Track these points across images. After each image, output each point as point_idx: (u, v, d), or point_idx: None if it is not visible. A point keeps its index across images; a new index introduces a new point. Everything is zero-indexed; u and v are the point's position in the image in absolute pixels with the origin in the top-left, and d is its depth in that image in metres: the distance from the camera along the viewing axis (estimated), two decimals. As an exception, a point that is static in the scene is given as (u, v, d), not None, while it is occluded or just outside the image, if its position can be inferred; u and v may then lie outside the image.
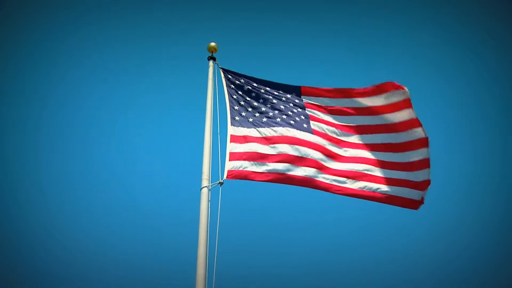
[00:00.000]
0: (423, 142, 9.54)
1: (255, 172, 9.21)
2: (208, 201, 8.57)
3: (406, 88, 9.61)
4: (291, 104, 10.15)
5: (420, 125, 9.57)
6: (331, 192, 9.49)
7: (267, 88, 10.23)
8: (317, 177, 9.49)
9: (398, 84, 9.70)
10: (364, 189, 9.53)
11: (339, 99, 10.10)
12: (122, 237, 18.90)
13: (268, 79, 10.31)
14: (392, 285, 18.21)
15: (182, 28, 24.05)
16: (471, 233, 19.64)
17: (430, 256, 19.09)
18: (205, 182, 8.74)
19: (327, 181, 9.50)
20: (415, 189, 9.46)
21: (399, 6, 24.04)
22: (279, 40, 24.45)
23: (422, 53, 23.72)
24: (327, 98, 10.16)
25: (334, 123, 10.06)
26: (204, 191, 8.64)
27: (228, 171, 9.01)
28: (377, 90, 9.82)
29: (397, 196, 9.51)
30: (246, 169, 9.18)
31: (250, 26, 24.84)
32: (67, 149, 21.27)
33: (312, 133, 9.84)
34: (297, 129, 9.84)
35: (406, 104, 9.63)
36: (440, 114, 22.88)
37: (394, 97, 9.71)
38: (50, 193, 19.81)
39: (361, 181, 9.58)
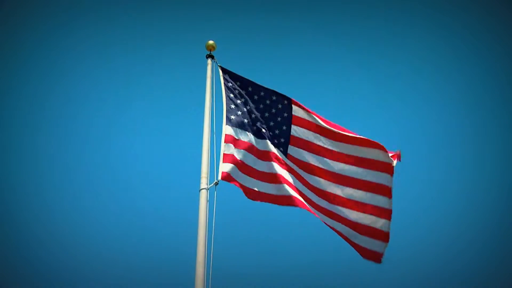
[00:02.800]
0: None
1: (245, 187, 9.21)
2: (207, 201, 8.54)
3: (395, 162, 9.22)
4: (279, 119, 9.95)
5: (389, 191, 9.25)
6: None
7: (261, 93, 10.09)
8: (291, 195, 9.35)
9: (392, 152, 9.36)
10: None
11: (327, 130, 9.79)
12: (121, 237, 18.89)
13: (266, 80, 10.25)
14: (392, 285, 18.18)
15: (180, 27, 24.06)
16: (472, 233, 19.62)
17: (430, 256, 19.08)
18: (203, 182, 8.70)
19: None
20: (375, 238, 9.19)
21: (399, 6, 24.05)
22: (278, 40, 24.48)
23: (422, 52, 23.71)
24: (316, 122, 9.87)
25: (316, 145, 9.78)
26: (203, 191, 8.60)
27: (222, 172, 8.96)
28: (368, 144, 9.48)
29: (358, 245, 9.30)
30: (236, 178, 9.13)
31: (249, 25, 24.86)
32: (66, 149, 21.27)
33: (286, 157, 9.71)
34: (276, 148, 9.73)
35: (388, 169, 9.27)
36: (441, 113, 22.87)
37: (381, 158, 9.35)
38: (48, 193, 19.81)
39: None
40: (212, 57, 10.35)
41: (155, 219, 19.53)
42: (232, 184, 9.10)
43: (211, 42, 10.44)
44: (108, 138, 22.23)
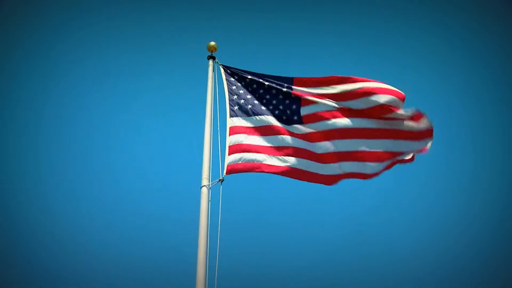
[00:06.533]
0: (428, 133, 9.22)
1: (254, 163, 9.20)
2: (208, 200, 8.51)
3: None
4: (281, 96, 9.91)
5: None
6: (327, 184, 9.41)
7: (261, 80, 10.08)
8: (310, 168, 9.41)
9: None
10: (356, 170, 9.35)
11: (333, 87, 9.67)
12: (121, 237, 18.90)
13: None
14: (393, 285, 18.22)
15: (182, 28, 24.08)
16: (472, 233, 19.66)
17: (431, 256, 19.12)
18: (204, 181, 8.67)
19: (321, 172, 9.41)
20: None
21: (399, 6, 24.11)
22: (279, 40, 24.49)
23: (422, 51, 23.76)
24: (320, 88, 9.79)
25: (327, 104, 9.75)
26: (204, 190, 8.57)
27: (228, 165, 8.99)
28: (379, 90, 9.38)
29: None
30: (244, 162, 9.17)
31: (251, 25, 24.89)
32: (66, 148, 21.29)
33: (302, 123, 9.67)
34: (286, 123, 9.69)
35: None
36: (441, 112, 22.90)
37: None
38: (48, 192, 19.82)
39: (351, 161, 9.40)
40: (213, 58, 10.36)
41: (157, 218, 19.55)
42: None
43: (212, 43, 10.43)
44: (108, 139, 22.26)
